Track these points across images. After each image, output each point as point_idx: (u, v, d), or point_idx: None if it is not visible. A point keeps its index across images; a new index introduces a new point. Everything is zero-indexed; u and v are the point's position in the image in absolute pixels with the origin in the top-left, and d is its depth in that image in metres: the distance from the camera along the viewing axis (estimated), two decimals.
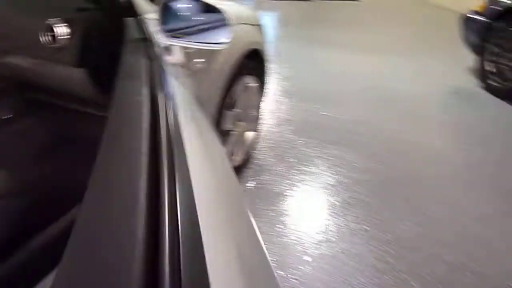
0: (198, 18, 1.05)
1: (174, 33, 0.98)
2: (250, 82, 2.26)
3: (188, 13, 1.03)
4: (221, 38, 1.03)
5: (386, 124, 3.33)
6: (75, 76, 1.28)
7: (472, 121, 3.56)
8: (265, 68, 2.50)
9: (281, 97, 3.76)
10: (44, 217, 1.35)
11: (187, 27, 1.10)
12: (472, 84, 4.32)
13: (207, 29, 1.12)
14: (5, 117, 1.70)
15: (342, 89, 4.06)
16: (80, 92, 1.37)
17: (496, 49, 4.07)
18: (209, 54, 1.79)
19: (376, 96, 3.91)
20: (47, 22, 1.20)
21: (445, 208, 2.30)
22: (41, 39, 1.22)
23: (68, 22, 1.21)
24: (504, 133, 3.38)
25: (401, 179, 2.57)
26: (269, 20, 7.14)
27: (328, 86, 4.12)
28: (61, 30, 1.20)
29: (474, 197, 2.44)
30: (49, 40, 1.22)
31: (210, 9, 1.05)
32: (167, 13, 0.98)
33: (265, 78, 2.52)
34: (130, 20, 1.15)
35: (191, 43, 1.07)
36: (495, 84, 4.10)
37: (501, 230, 2.15)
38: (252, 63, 2.25)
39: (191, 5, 1.05)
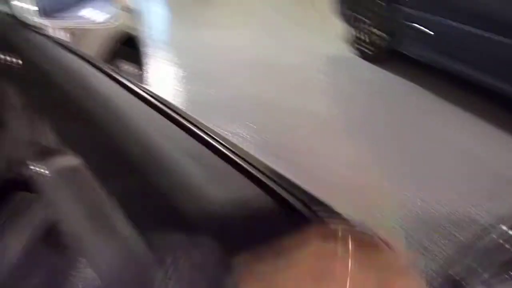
0: None
1: (51, 12, 0.93)
2: (127, 67, 2.23)
3: None
4: (103, 16, 0.99)
5: (265, 94, 3.52)
6: None
7: (344, 84, 3.93)
8: (142, 53, 2.47)
9: (166, 80, 3.74)
10: None
11: (66, 6, 1.00)
12: (345, 51, 4.70)
13: (88, 7, 1.04)
14: None
15: (225, 65, 4.16)
16: None
17: (365, 19, 4.46)
18: (81, 35, 1.72)
19: (255, 69, 4.09)
20: None
21: (318, 158, 2.55)
22: None
23: None
24: (370, 92, 3.80)
25: (279, 142, 2.79)
26: (148, 5, 6.94)
27: (211, 64, 4.20)
28: None
29: (343, 147, 2.74)
30: None
31: None
32: None
33: (143, 63, 2.50)
34: None
35: (72, 22, 1.01)
36: (365, 50, 4.51)
37: (369, 174, 2.45)
38: (127, 48, 2.21)
39: None
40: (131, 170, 0.56)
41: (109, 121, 0.64)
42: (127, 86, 0.71)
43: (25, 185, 1.45)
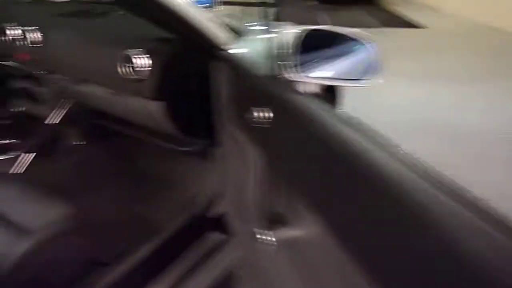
0: (336, 50, 0.92)
1: (307, 68, 0.87)
2: None
3: (324, 45, 0.92)
4: (364, 73, 0.86)
5: (456, 167, 3.07)
6: (151, 109, 1.23)
7: None
8: (338, 98, 2.38)
9: None
10: (110, 254, 1.30)
11: (324, 61, 0.92)
12: None
13: (347, 63, 0.93)
14: (78, 143, 1.71)
15: (410, 123, 3.84)
16: (156, 125, 1.32)
17: None
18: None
19: (445, 131, 3.65)
20: (127, 52, 1.17)
21: None
22: (119, 70, 1.18)
23: (149, 53, 1.17)
24: None
25: None
26: None
27: (393, 118, 3.91)
28: (141, 61, 1.16)
29: None
30: (127, 71, 1.18)
31: (350, 39, 0.90)
32: (301, 45, 0.87)
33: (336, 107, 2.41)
34: (227, 54, 1.07)
35: (329, 80, 0.90)
36: None
37: None
38: (328, 94, 2.15)
39: (328, 36, 0.93)
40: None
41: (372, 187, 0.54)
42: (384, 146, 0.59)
43: (218, 225, 1.43)
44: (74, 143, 1.67)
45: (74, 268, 1.19)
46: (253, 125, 0.85)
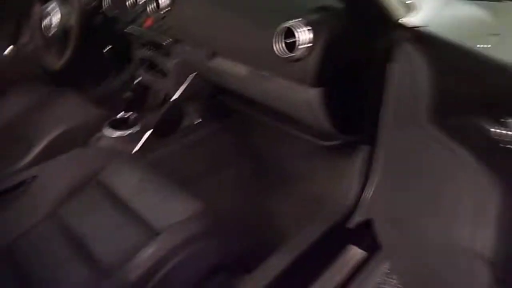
0: None
1: None
2: None
3: None
4: None
5: None
6: (302, 95, 1.00)
7: None
8: None
9: None
10: (240, 258, 1.13)
11: None
12: None
13: None
14: (198, 121, 1.55)
15: None
16: (300, 114, 1.10)
17: None
18: None
19: None
20: (287, 25, 0.94)
21: None
22: (275, 47, 0.96)
23: (312, 25, 0.93)
24: None
25: None
26: None
27: None
28: (305, 36, 0.92)
29: None
30: (283, 49, 0.95)
31: None
32: None
33: None
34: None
35: None
36: None
37: None
38: None
39: None
40: None
41: None
42: None
43: (361, 238, 1.21)
44: (195, 122, 1.51)
45: (203, 274, 1.03)
46: (497, 143, 0.59)
